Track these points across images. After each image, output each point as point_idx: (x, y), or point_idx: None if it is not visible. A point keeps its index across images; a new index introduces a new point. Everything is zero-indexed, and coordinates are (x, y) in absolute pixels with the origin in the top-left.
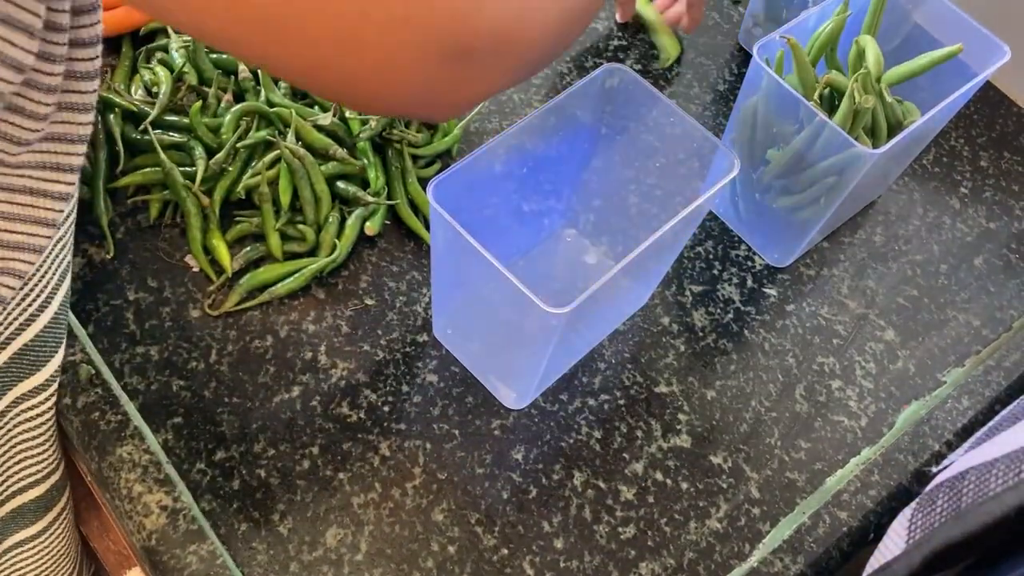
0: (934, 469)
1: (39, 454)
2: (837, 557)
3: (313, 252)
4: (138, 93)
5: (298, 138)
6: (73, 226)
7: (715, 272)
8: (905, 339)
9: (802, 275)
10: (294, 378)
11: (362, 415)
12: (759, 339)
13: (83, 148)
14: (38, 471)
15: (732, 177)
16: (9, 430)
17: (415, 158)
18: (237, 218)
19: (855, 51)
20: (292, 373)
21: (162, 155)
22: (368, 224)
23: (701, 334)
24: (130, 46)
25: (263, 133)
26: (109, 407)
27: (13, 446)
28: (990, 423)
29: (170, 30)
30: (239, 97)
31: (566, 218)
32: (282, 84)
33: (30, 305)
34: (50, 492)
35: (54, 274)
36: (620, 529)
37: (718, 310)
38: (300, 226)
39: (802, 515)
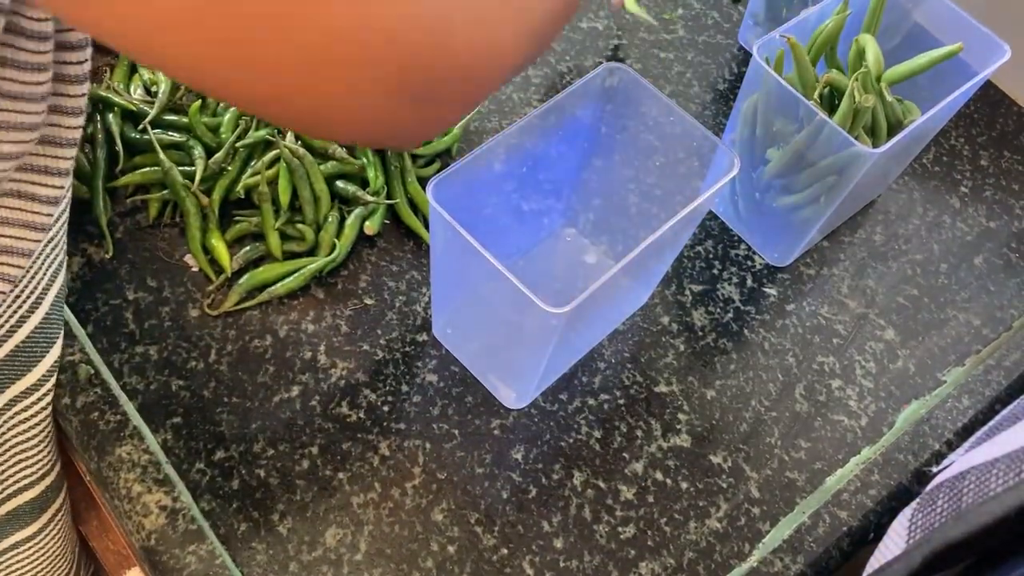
0: (934, 469)
1: (34, 455)
2: (837, 557)
3: (312, 252)
4: (137, 92)
5: (297, 137)
6: (66, 226)
7: (715, 271)
8: (905, 338)
9: (802, 274)
10: (293, 378)
11: (362, 415)
12: (759, 338)
13: (72, 152)
14: (33, 472)
15: (732, 176)
16: (4, 432)
17: (414, 157)
18: (236, 218)
19: (855, 50)
20: (291, 373)
21: (161, 154)
22: (367, 223)
23: (701, 333)
24: None
25: (262, 132)
26: (108, 407)
27: (8, 448)
28: (990, 423)
29: None
30: None
31: (566, 217)
32: None
33: (20, 306)
34: (45, 493)
35: (44, 274)
36: (620, 529)
37: (718, 309)
38: (299, 225)
39: (802, 515)
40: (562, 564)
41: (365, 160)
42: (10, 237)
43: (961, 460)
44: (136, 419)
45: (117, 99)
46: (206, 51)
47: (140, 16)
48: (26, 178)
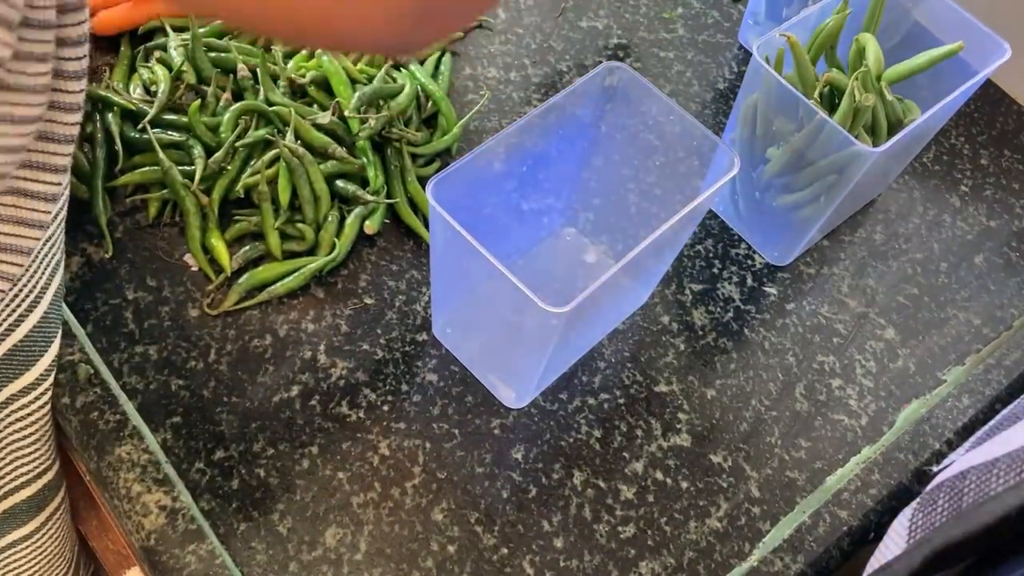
0: (935, 468)
1: (31, 453)
2: (837, 556)
3: (312, 251)
4: (137, 92)
5: (297, 137)
6: (63, 224)
7: (715, 271)
8: (905, 338)
9: (802, 274)
10: (293, 377)
11: (361, 414)
12: (759, 338)
13: (69, 148)
14: (30, 470)
15: (732, 175)
16: (2, 430)
17: (414, 156)
18: (236, 217)
19: (855, 49)
20: (291, 372)
21: (161, 154)
22: (367, 223)
23: (701, 333)
24: (128, 45)
25: (262, 132)
26: (108, 407)
27: (5, 445)
28: (991, 422)
29: (168, 29)
30: (238, 96)
31: (566, 217)
32: (281, 83)
33: (19, 305)
34: (43, 491)
35: (43, 273)
36: (620, 528)
37: (718, 309)
38: (299, 225)
39: (802, 514)
40: (562, 564)
41: (365, 159)
42: (8, 235)
43: (961, 460)
44: (136, 419)
45: (116, 98)
46: None
47: None
48: (23, 175)
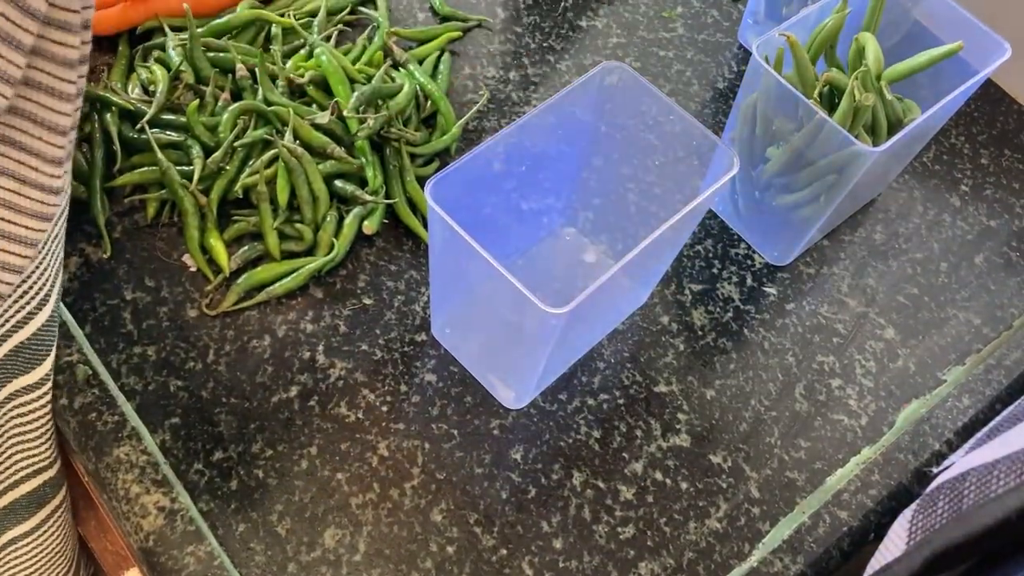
0: (935, 469)
1: (32, 448)
2: (837, 557)
3: (311, 251)
4: (135, 92)
5: (296, 137)
6: (64, 223)
7: (715, 271)
8: (905, 337)
9: (802, 273)
10: (292, 378)
11: (360, 415)
12: (759, 338)
13: (64, 140)
14: (30, 464)
15: (732, 175)
16: (2, 424)
17: (413, 156)
18: (234, 217)
19: (855, 48)
20: (290, 373)
21: (159, 154)
22: (366, 223)
23: (700, 333)
24: (127, 45)
25: (261, 132)
26: (106, 407)
27: (7, 439)
28: (991, 423)
29: (167, 28)
30: (236, 96)
31: (565, 217)
32: (279, 83)
33: (29, 302)
34: (43, 488)
35: (50, 270)
36: (619, 529)
37: (718, 309)
38: (298, 225)
39: (802, 515)
40: (561, 564)
41: (363, 159)
42: (10, 223)
43: (962, 461)
44: (134, 420)
45: (115, 98)
46: None
47: None
48: (24, 159)
